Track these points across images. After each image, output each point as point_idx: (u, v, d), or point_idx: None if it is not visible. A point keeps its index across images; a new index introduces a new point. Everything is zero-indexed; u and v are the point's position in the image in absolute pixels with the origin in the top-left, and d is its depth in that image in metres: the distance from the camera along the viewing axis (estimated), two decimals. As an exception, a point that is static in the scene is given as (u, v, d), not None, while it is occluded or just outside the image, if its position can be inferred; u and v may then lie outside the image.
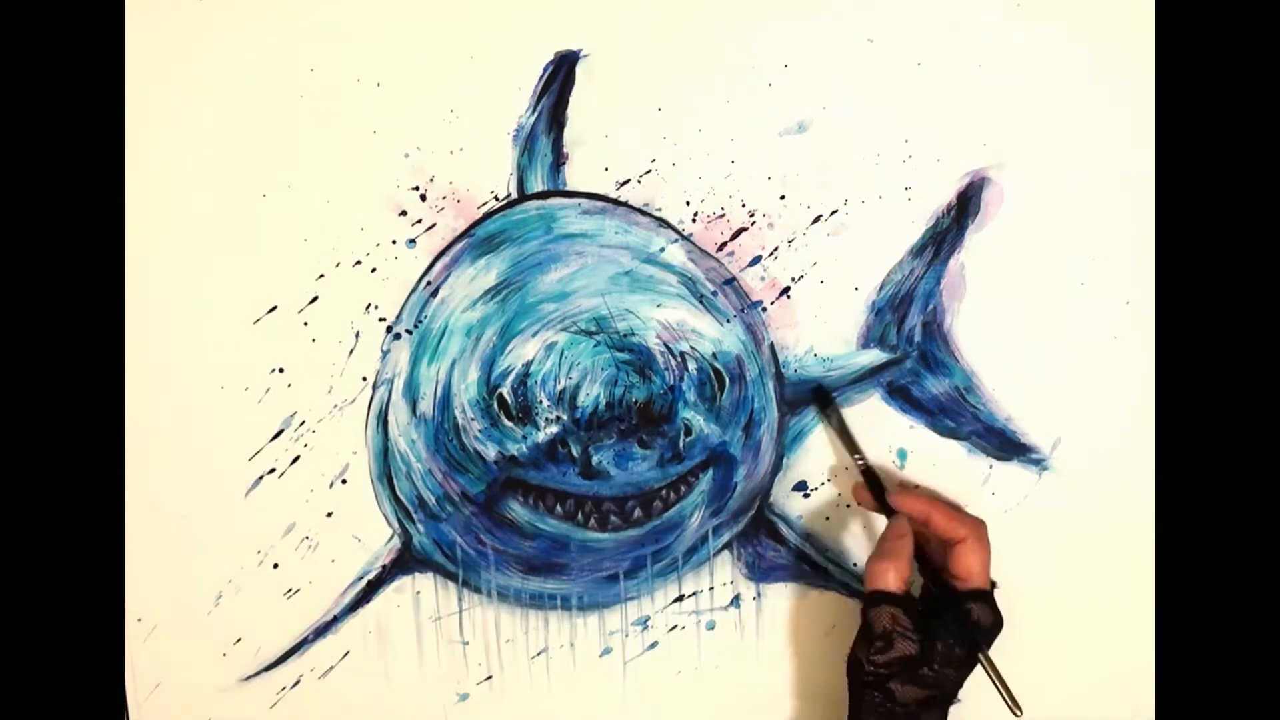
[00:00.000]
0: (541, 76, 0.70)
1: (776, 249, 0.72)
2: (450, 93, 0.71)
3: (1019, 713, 0.65)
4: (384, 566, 0.75)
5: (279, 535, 0.75)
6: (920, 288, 0.73)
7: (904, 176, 0.71)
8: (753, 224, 0.72)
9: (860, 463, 0.72)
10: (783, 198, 0.72)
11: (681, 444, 0.74)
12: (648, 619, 0.76)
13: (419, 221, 0.72)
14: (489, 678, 0.76)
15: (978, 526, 0.68)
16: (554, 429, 0.73)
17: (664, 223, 0.72)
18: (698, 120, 0.71)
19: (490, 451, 0.74)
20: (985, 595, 0.67)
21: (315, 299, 0.73)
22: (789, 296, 0.73)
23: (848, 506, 0.74)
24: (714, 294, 0.73)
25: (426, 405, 0.74)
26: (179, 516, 0.74)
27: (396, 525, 0.75)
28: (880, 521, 0.73)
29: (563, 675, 0.76)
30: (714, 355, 0.73)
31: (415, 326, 0.73)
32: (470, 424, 0.74)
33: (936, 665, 0.65)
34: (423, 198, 0.72)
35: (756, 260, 0.72)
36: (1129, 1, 0.70)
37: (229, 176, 0.72)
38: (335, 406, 0.74)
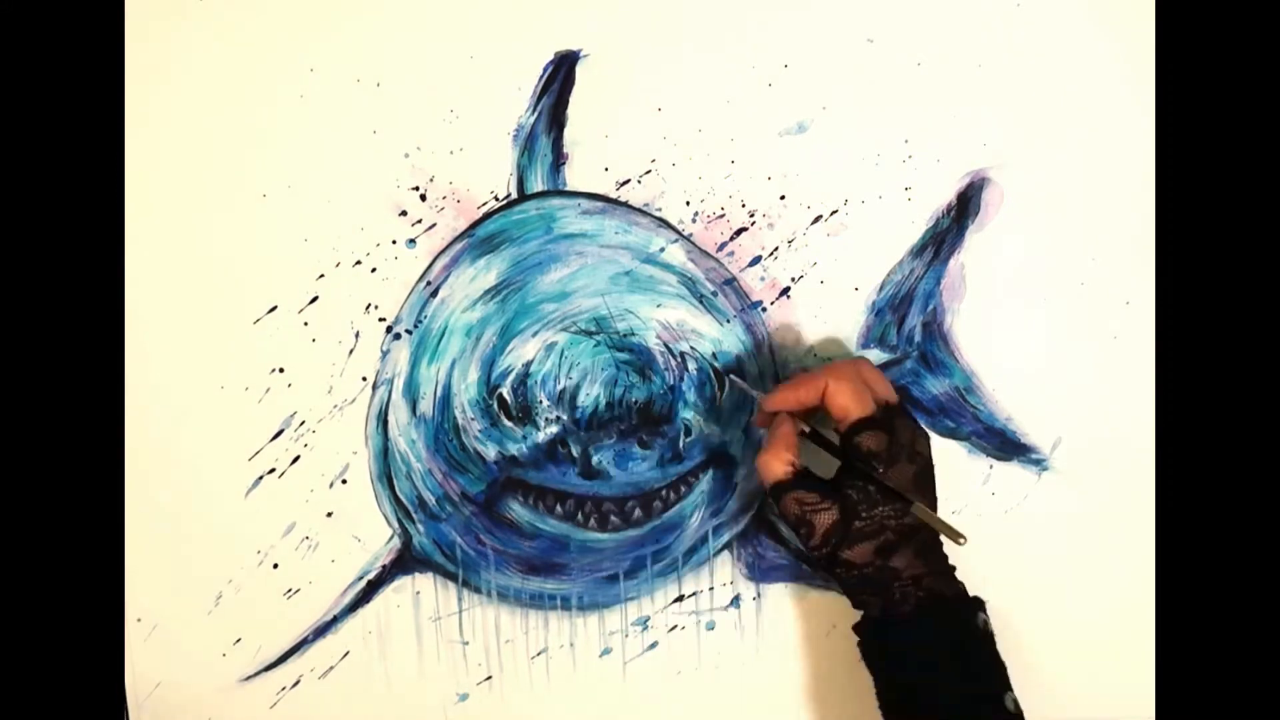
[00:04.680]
0: (541, 76, 0.70)
1: (776, 249, 0.72)
2: (450, 93, 0.71)
3: (962, 540, 0.62)
4: (384, 566, 0.75)
5: (279, 535, 0.75)
6: (920, 288, 0.73)
7: (904, 176, 0.71)
8: (753, 224, 0.72)
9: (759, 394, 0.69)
10: (783, 198, 0.72)
11: (681, 444, 0.74)
12: (648, 619, 0.76)
13: (419, 221, 0.72)
14: (489, 678, 0.76)
15: (832, 369, 0.65)
16: (554, 429, 0.73)
17: (664, 223, 0.72)
18: (698, 120, 0.71)
19: (490, 451, 0.74)
20: (866, 422, 0.63)
21: (315, 299, 0.73)
22: (789, 296, 0.73)
23: (848, 506, 0.74)
24: (714, 294, 0.73)
25: (426, 405, 0.74)
26: (179, 516, 0.74)
27: (396, 525, 0.75)
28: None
29: (563, 675, 0.76)
30: (714, 355, 0.73)
31: (415, 326, 0.73)
32: (470, 424, 0.74)
33: (863, 511, 0.63)
34: (423, 198, 0.72)
35: (756, 260, 0.72)
36: (1129, 1, 0.70)
37: (229, 176, 0.72)
38: (335, 406, 0.74)
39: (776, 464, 0.64)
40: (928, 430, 0.67)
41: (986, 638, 0.65)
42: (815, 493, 0.64)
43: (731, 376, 0.72)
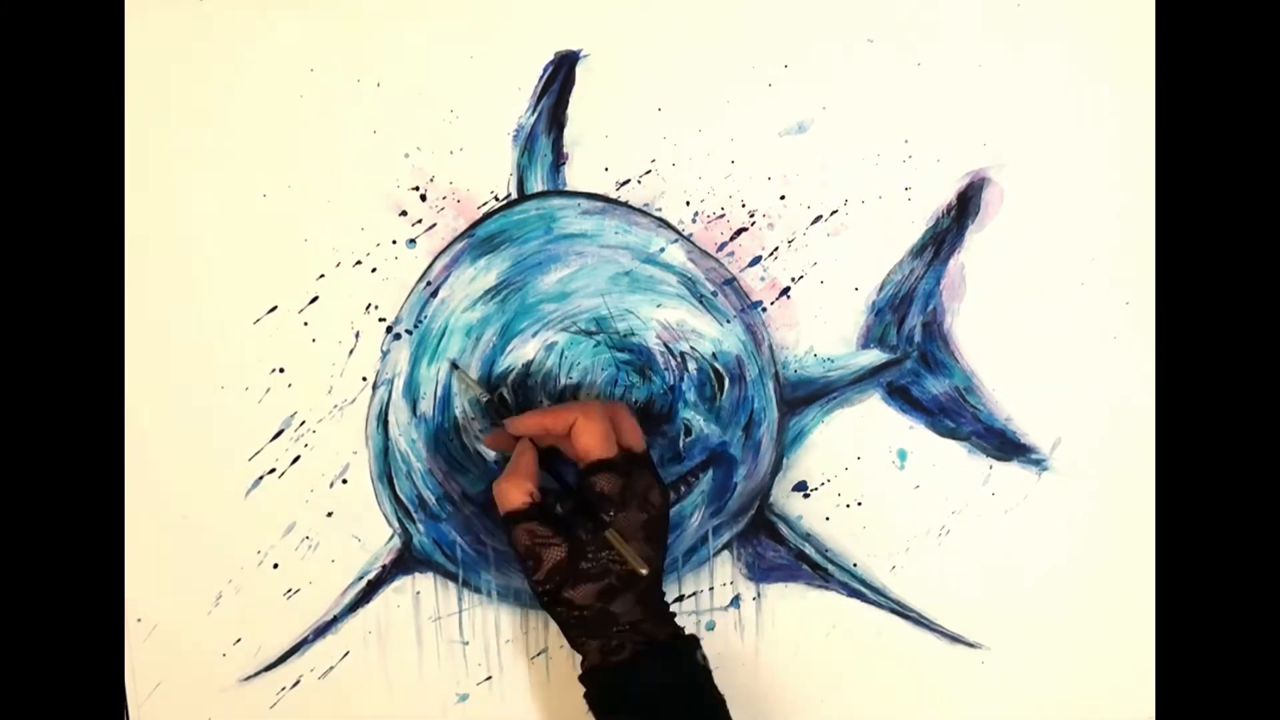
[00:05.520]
0: (541, 76, 0.70)
1: (776, 249, 0.72)
2: (450, 93, 0.71)
3: (643, 570, 0.62)
4: (384, 566, 0.75)
5: (279, 535, 0.75)
6: (920, 288, 0.73)
7: (904, 176, 0.71)
8: (753, 224, 0.72)
9: (487, 399, 0.71)
10: (783, 198, 0.72)
11: (681, 444, 0.74)
12: (648, 619, 0.76)
13: (419, 221, 0.72)
14: (489, 678, 0.76)
15: (585, 407, 0.65)
16: (554, 429, 0.73)
17: (664, 223, 0.72)
18: (698, 120, 0.71)
19: (490, 451, 0.74)
20: (605, 464, 0.64)
21: (315, 299, 0.73)
22: (789, 296, 0.73)
23: (848, 506, 0.74)
24: (714, 294, 0.73)
25: (427, 405, 0.74)
26: (179, 516, 0.74)
27: (396, 525, 0.75)
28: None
29: (563, 675, 0.76)
30: (714, 355, 0.73)
31: (415, 326, 0.73)
32: (470, 424, 0.74)
33: (590, 553, 0.63)
34: (423, 198, 0.72)
35: (756, 260, 0.73)
36: (1129, 1, 0.70)
37: (229, 176, 0.72)
38: (335, 406, 0.74)
39: (515, 493, 0.64)
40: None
41: (705, 674, 0.66)
42: (548, 526, 0.64)
43: (457, 369, 0.71)
